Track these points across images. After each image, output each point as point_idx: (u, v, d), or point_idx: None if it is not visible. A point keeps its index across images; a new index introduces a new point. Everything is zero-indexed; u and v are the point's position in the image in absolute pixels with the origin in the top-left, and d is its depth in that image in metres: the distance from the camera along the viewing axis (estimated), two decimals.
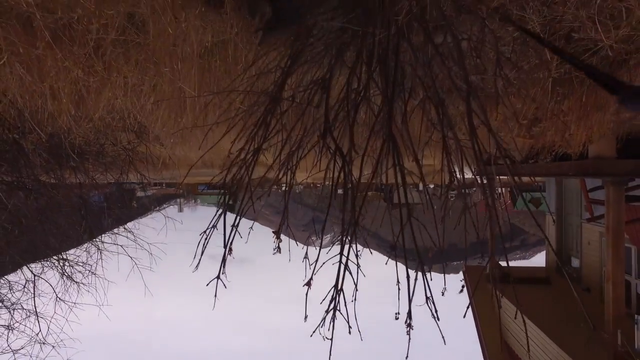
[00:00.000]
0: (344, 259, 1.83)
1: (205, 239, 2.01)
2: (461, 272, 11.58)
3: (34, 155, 4.68)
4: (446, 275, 2.44)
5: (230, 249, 1.93)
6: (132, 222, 7.34)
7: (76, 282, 5.91)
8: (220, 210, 2.23)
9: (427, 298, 1.42)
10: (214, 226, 2.09)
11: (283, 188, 2.44)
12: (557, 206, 12.40)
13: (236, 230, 1.91)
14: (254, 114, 2.47)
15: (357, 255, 1.68)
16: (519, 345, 9.64)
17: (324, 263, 1.74)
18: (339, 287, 1.56)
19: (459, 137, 2.06)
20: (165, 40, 3.08)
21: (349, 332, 1.52)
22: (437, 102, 1.97)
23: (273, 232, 2.36)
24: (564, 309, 9.03)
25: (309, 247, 2.16)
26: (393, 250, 1.94)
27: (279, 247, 2.35)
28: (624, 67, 2.95)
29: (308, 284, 1.70)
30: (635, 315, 7.04)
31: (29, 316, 5.74)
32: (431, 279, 1.82)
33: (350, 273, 1.60)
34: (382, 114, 1.76)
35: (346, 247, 1.83)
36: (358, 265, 1.67)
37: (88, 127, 4.55)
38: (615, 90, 0.80)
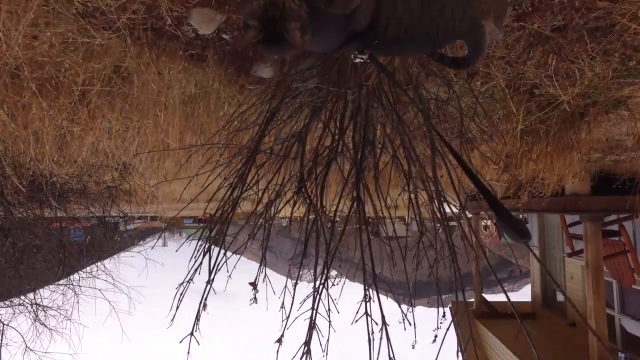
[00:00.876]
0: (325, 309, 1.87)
1: (181, 293, 2.03)
2: (448, 308, 11.52)
3: (14, 198, 4.65)
4: (434, 310, 2.45)
5: (205, 305, 1.95)
6: (114, 256, 7.19)
7: (49, 329, 5.68)
8: (201, 255, 2.26)
9: (390, 358, 1.46)
10: (190, 280, 2.12)
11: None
12: (540, 240, 12.58)
13: (211, 286, 1.94)
14: (235, 165, 2.56)
15: (328, 311, 1.72)
16: None
17: (296, 318, 1.78)
18: (309, 345, 1.59)
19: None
20: (150, 92, 3.19)
21: None
22: (407, 157, 2.07)
23: (250, 283, 2.39)
24: (549, 344, 9.01)
25: (293, 284, 2.20)
26: (367, 300, 1.98)
27: (255, 297, 2.38)
28: (583, 119, 3.15)
29: (279, 341, 1.72)
30: (619, 353, 7.06)
31: None
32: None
33: (320, 333, 1.63)
34: (351, 174, 1.86)
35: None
36: (329, 321, 1.71)
37: (71, 169, 4.57)
38: (496, 215, 0.90)
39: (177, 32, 2.72)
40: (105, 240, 8.22)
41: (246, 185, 2.18)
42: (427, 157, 2.34)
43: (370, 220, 2.46)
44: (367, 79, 2.11)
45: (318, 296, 1.69)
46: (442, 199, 1.91)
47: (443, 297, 2.43)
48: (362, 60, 1.44)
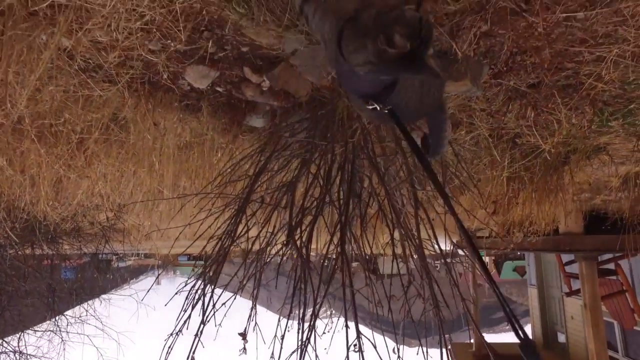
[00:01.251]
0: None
1: (169, 346, 2.02)
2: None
3: (5, 240, 4.63)
4: (433, 350, 2.43)
5: (193, 358, 1.95)
6: (105, 296, 7.03)
7: None
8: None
9: None
10: (179, 331, 2.12)
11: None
12: (538, 278, 12.44)
13: (199, 339, 1.94)
14: (227, 213, 2.62)
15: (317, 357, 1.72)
16: None
17: None
18: None
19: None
20: (146, 140, 3.29)
21: None
22: (392, 211, 2.14)
23: (239, 333, 2.38)
24: None
25: (281, 336, 2.19)
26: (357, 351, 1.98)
27: (244, 348, 2.36)
28: (565, 165, 3.26)
29: None
30: None
31: None
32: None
33: None
34: (337, 228, 1.92)
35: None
36: None
37: (65, 212, 4.59)
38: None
39: (173, 85, 2.85)
40: (97, 278, 8.09)
41: (236, 236, 2.22)
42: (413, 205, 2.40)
43: (367, 258, 2.49)
44: (352, 134, 2.21)
45: (305, 349, 1.70)
46: (425, 246, 1.95)
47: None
48: (376, 107, 1.45)
